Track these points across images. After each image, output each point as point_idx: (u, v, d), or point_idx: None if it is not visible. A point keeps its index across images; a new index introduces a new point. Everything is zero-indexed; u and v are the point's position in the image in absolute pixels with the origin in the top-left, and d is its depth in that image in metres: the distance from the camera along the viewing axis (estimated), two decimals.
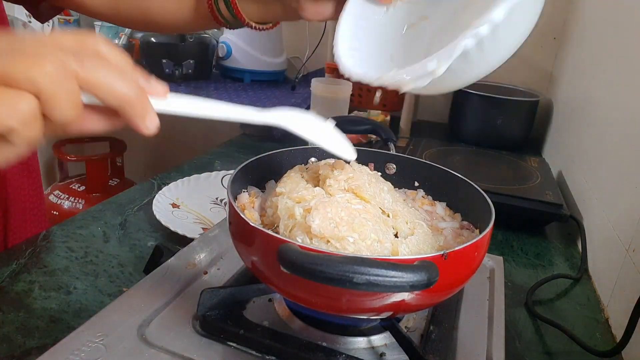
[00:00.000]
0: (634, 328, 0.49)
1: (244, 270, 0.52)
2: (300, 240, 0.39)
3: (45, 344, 0.47)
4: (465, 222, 0.50)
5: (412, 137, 1.17)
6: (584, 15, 1.14)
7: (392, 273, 0.30)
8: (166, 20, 0.67)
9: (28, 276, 0.58)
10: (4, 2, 0.66)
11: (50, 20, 0.73)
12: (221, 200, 0.83)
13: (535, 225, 0.84)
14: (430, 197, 0.55)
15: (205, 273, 0.51)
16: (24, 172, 0.72)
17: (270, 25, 0.64)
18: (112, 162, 1.90)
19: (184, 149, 1.88)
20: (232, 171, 0.48)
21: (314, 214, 0.39)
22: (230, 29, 0.66)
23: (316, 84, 0.98)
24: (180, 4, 0.65)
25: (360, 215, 0.41)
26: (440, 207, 0.52)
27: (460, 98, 1.26)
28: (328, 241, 0.38)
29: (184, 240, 0.64)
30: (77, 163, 1.82)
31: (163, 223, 0.71)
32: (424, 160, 0.56)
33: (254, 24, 0.62)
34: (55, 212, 1.73)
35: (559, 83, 1.26)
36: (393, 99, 1.25)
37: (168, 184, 0.84)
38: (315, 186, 0.45)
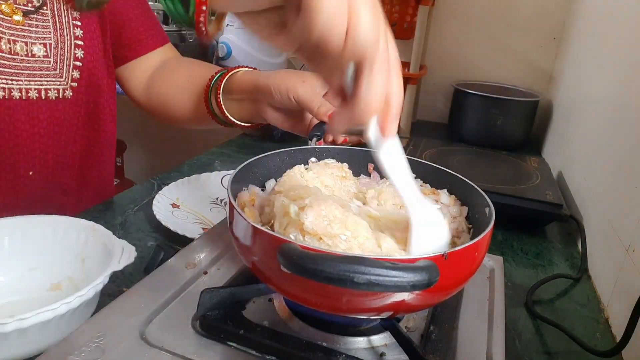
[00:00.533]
0: (634, 328, 0.49)
1: (244, 270, 0.52)
2: (293, 237, 0.39)
3: None
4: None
5: (412, 137, 1.17)
6: (584, 15, 1.14)
7: (393, 273, 0.30)
8: (181, 113, 0.81)
9: None
10: None
11: None
12: (221, 200, 0.83)
13: (535, 225, 0.84)
14: (428, 185, 0.54)
15: (205, 273, 0.51)
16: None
17: (253, 124, 0.75)
18: None
19: (184, 149, 1.88)
20: (232, 171, 0.48)
21: (307, 212, 0.39)
22: (224, 126, 0.77)
23: None
24: (190, 99, 0.78)
25: (354, 214, 0.41)
26: (444, 196, 0.52)
27: (460, 98, 1.26)
28: (320, 238, 0.38)
29: (184, 240, 0.64)
30: None
31: (163, 223, 0.70)
32: (424, 161, 0.56)
33: (237, 122, 0.73)
34: None
35: (559, 83, 1.26)
36: None
37: (168, 184, 0.84)
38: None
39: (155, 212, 0.73)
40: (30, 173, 0.70)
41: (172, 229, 0.69)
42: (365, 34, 0.31)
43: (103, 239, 0.55)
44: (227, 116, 0.73)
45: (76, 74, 0.70)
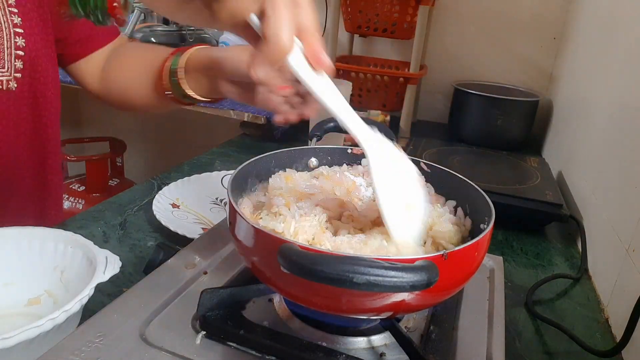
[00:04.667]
0: (634, 328, 0.49)
1: (244, 270, 0.52)
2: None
3: None
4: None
5: (412, 137, 1.17)
6: (584, 15, 1.14)
7: (392, 273, 0.30)
8: (139, 98, 0.78)
9: None
10: None
11: None
12: (221, 200, 0.83)
13: (535, 225, 0.84)
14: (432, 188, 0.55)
15: (205, 273, 0.51)
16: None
17: (213, 99, 0.72)
18: (112, 162, 1.90)
19: (184, 149, 1.88)
20: (232, 171, 0.48)
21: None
22: (183, 104, 0.75)
23: None
24: (147, 84, 0.76)
25: None
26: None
27: (460, 98, 1.26)
28: None
29: (184, 240, 0.64)
30: (77, 163, 1.82)
31: (163, 223, 0.70)
32: (424, 161, 0.56)
33: (199, 97, 0.71)
34: None
35: (559, 83, 1.26)
36: (393, 99, 1.25)
37: (168, 184, 0.84)
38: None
39: (155, 212, 0.73)
40: None
41: (172, 229, 0.69)
42: None
43: (83, 249, 0.53)
44: (190, 94, 0.71)
45: (19, 64, 0.68)
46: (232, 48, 0.66)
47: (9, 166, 0.72)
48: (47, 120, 0.76)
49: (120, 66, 0.80)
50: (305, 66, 0.38)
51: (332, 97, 0.40)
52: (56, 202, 0.83)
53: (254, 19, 0.36)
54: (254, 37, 0.38)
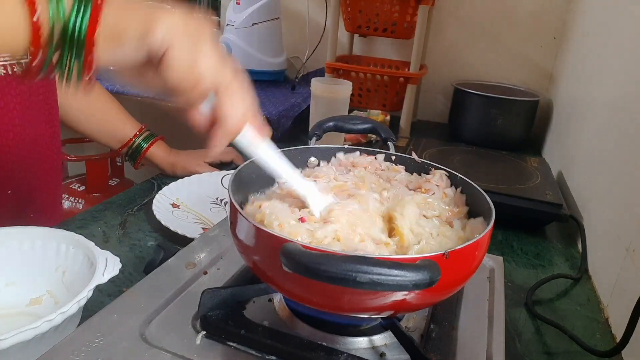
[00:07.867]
0: (634, 328, 0.49)
1: (244, 270, 0.52)
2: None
3: None
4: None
5: (412, 137, 1.17)
6: (584, 15, 1.14)
7: (395, 272, 0.30)
8: (85, 133, 0.92)
9: None
10: None
11: None
12: (221, 200, 0.83)
13: (535, 225, 0.84)
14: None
15: (205, 273, 0.51)
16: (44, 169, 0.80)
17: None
18: (112, 162, 1.89)
19: (184, 148, 1.87)
20: (232, 171, 0.48)
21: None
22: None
23: (316, 84, 0.98)
24: (98, 137, 0.93)
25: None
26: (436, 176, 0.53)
27: (460, 98, 1.26)
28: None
29: (184, 240, 0.64)
30: (77, 163, 1.81)
31: (163, 223, 0.70)
32: (423, 160, 0.56)
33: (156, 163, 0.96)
34: None
35: (559, 83, 1.26)
36: (393, 98, 1.26)
37: (168, 184, 0.84)
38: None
39: (155, 212, 0.73)
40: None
41: (172, 229, 0.69)
42: (212, 78, 0.39)
43: (84, 250, 0.53)
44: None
45: None
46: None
47: (36, 148, 0.74)
48: (56, 98, 0.79)
49: (78, 104, 0.87)
50: (250, 139, 0.44)
51: (274, 160, 0.46)
52: (57, 179, 0.84)
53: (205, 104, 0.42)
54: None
